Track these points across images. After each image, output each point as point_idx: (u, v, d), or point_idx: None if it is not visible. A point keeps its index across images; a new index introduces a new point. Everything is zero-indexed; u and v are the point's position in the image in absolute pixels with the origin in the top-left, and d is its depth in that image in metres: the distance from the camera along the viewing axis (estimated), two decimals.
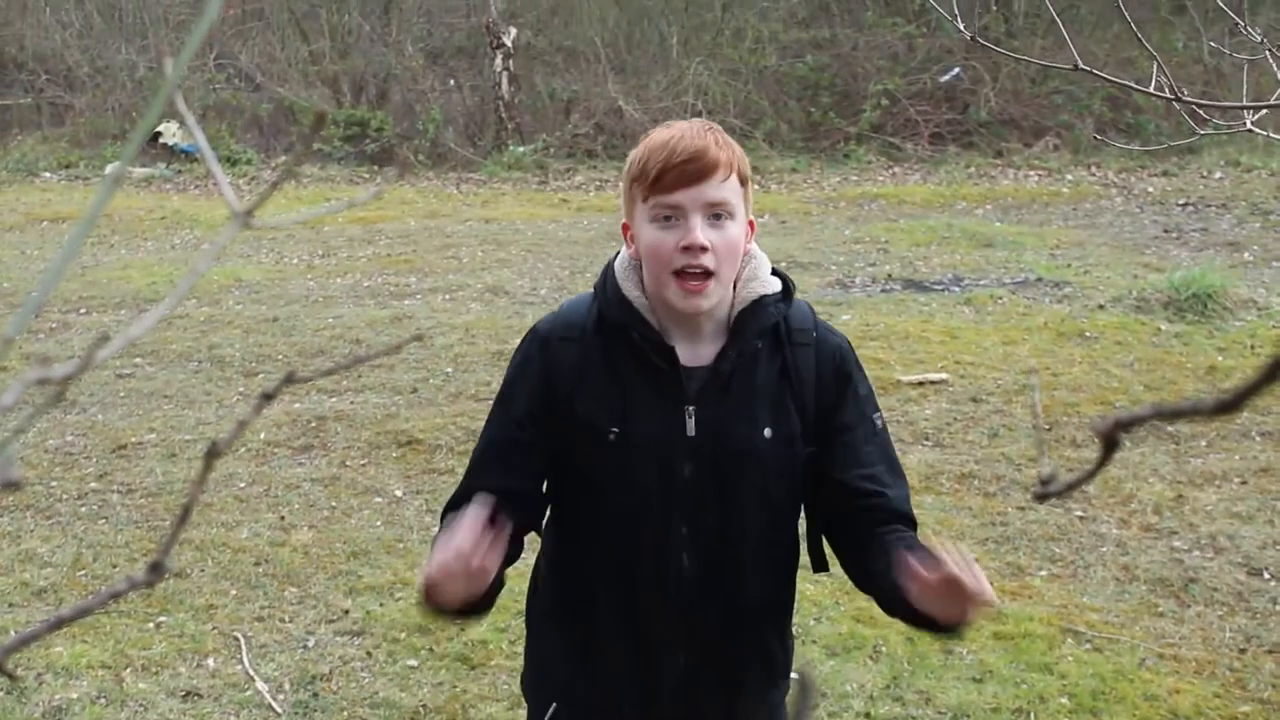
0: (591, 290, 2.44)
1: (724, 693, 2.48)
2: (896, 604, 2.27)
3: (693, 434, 2.33)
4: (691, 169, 2.24)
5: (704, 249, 2.24)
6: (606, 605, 2.44)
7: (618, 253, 2.45)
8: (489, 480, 2.36)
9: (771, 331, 2.37)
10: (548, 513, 2.52)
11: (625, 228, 2.39)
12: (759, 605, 2.46)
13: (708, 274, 2.25)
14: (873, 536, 2.37)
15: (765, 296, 2.36)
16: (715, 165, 2.25)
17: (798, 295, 2.49)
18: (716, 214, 2.27)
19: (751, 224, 2.37)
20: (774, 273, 2.42)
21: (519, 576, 2.63)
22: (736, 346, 2.33)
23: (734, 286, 2.35)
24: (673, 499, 2.35)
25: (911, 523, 2.44)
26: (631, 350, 2.35)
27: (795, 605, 2.63)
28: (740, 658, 2.47)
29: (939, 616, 2.18)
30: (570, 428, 2.36)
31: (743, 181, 2.32)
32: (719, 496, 2.35)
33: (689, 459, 2.33)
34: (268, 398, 0.78)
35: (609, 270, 2.41)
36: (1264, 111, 2.19)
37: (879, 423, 2.45)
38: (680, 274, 2.25)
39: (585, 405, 2.35)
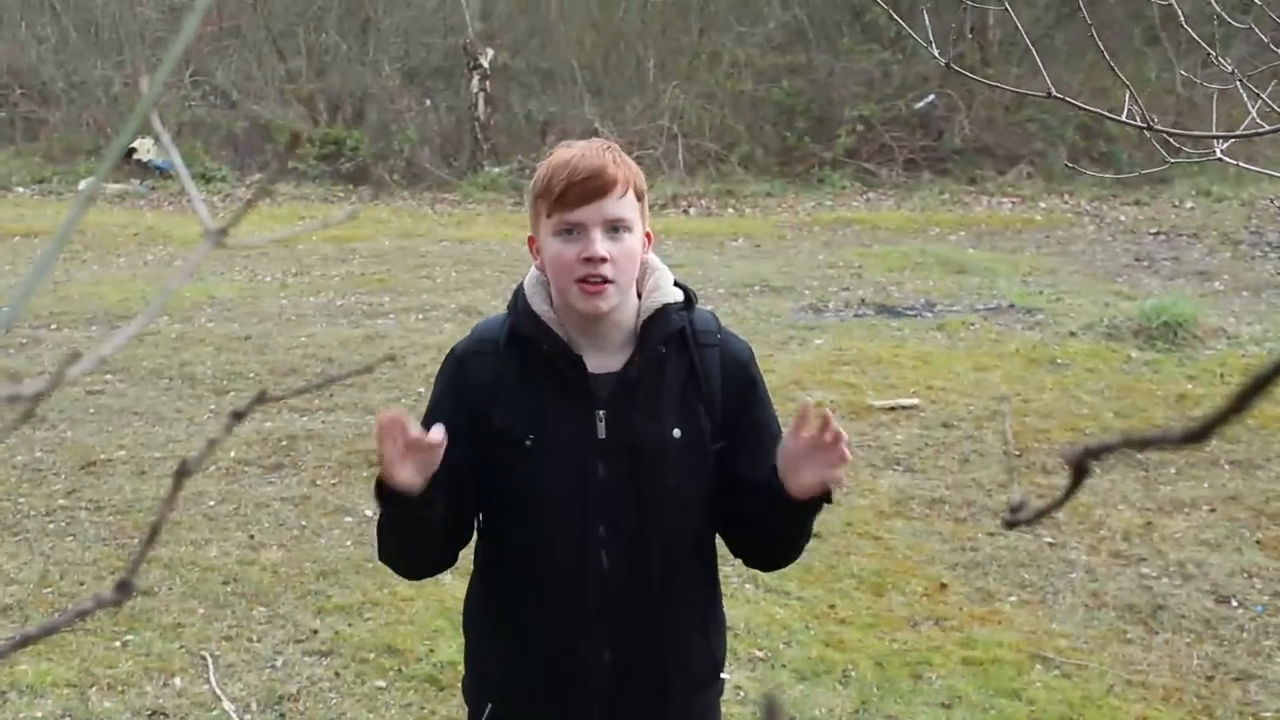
0: (505, 310, 2.59)
1: (653, 689, 2.58)
2: (758, 501, 2.44)
3: (603, 436, 2.47)
4: (591, 186, 2.40)
5: (604, 260, 2.39)
6: (534, 605, 2.56)
7: (528, 272, 2.60)
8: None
9: (677, 337, 2.51)
10: (479, 524, 2.65)
11: (531, 240, 2.54)
12: (680, 602, 2.58)
13: (606, 281, 2.40)
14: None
15: (668, 304, 2.50)
16: (614, 183, 2.41)
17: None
18: (615, 227, 2.42)
19: (649, 235, 2.52)
20: (677, 284, 2.56)
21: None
22: (643, 352, 2.48)
23: (639, 297, 2.51)
24: (589, 500, 2.48)
25: None
26: (543, 361, 2.49)
27: (722, 605, 2.74)
28: (665, 654, 2.58)
29: (799, 480, 2.33)
30: (491, 438, 2.49)
31: (639, 197, 2.48)
32: (633, 496, 2.49)
33: (601, 461, 2.47)
34: (239, 416, 0.78)
35: (520, 288, 2.56)
36: (1233, 141, 2.21)
37: (776, 428, 2.60)
38: (582, 280, 2.41)
39: (503, 416, 2.48)
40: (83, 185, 17.15)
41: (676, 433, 2.48)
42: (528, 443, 2.46)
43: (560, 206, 2.41)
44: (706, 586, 2.65)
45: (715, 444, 2.52)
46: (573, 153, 2.45)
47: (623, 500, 2.48)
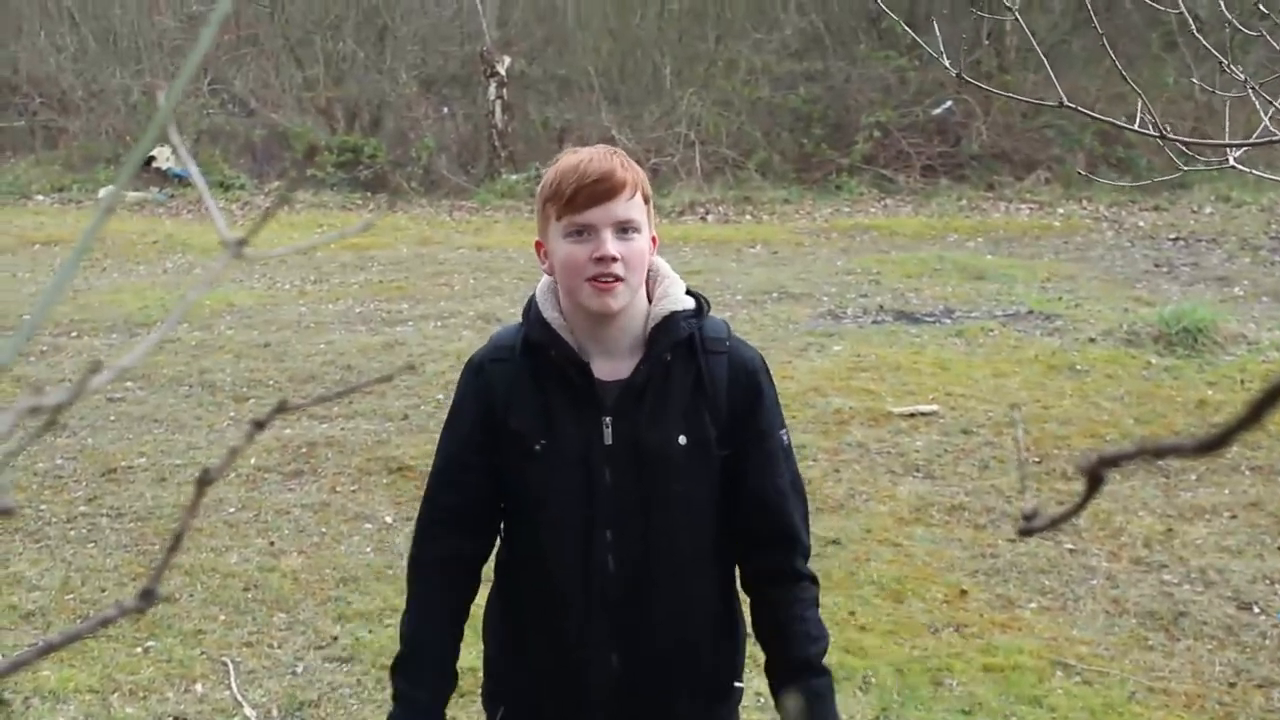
0: (520, 318, 2.63)
1: (659, 696, 2.60)
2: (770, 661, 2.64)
3: (610, 442, 2.50)
4: (601, 189, 2.44)
5: (614, 259, 2.42)
6: (542, 609, 2.59)
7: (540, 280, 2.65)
8: (446, 502, 2.61)
9: (685, 344, 2.54)
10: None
11: (539, 245, 2.59)
12: (689, 609, 2.59)
13: (618, 279, 2.44)
14: (774, 596, 2.62)
15: (676, 312, 2.53)
16: (622, 185, 2.45)
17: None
18: (624, 228, 2.45)
19: (654, 238, 2.55)
20: (689, 293, 2.59)
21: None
22: (649, 359, 2.51)
23: (649, 302, 2.54)
24: (596, 505, 2.51)
25: (801, 545, 2.63)
26: (553, 367, 2.52)
27: (740, 613, 2.76)
28: (673, 661, 2.59)
29: None
30: (505, 442, 2.54)
31: (646, 200, 2.52)
32: (640, 502, 2.52)
33: (608, 466, 2.50)
34: (260, 426, 0.78)
35: (532, 296, 2.61)
36: (1247, 148, 2.21)
37: (785, 439, 2.62)
38: (593, 278, 2.44)
39: (516, 420, 2.53)
40: (102, 194, 17.21)
41: (682, 439, 2.50)
42: (537, 448, 2.50)
43: (570, 209, 2.45)
44: (720, 594, 2.66)
45: (721, 451, 2.53)
46: (580, 158, 2.49)
47: (629, 506, 2.51)
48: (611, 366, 2.52)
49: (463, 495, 2.59)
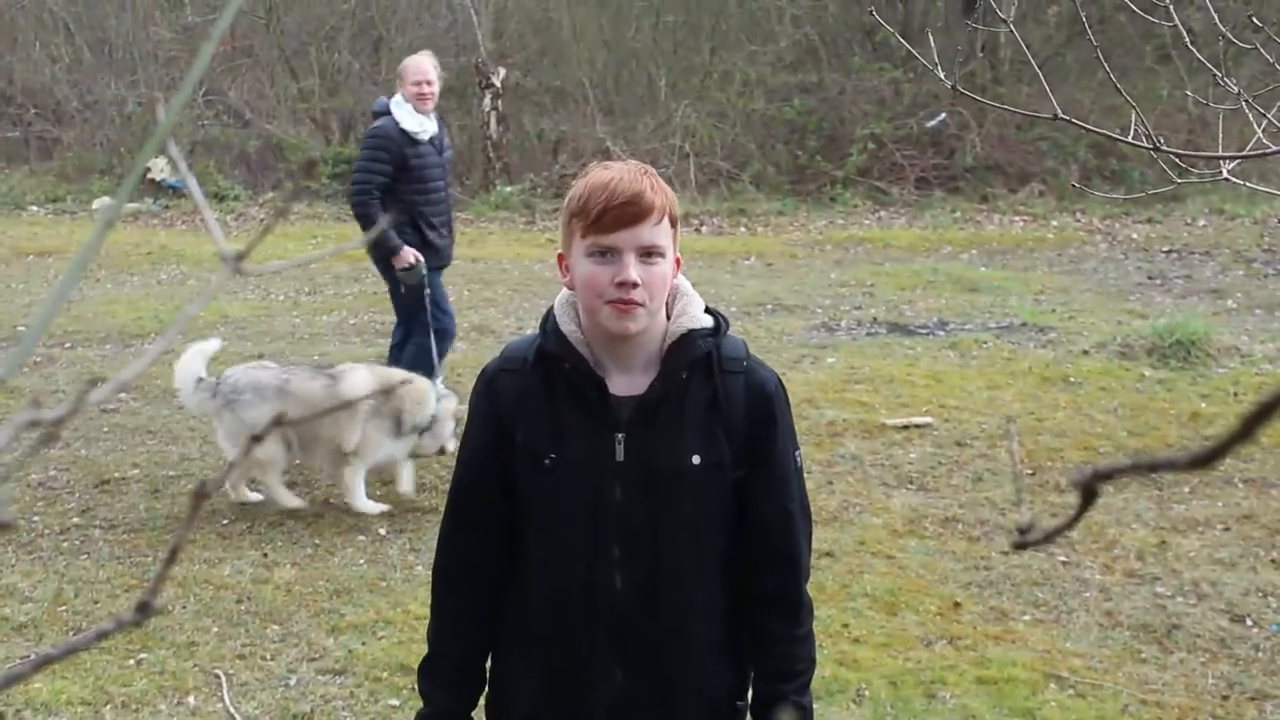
0: (537, 330, 2.61)
1: (662, 713, 2.59)
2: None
3: (622, 459, 2.48)
4: (628, 212, 2.40)
5: (635, 285, 2.40)
6: (547, 622, 2.58)
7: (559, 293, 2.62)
8: (466, 511, 2.60)
9: (702, 363, 2.52)
10: None
11: (561, 258, 2.55)
12: (695, 627, 2.58)
13: (638, 304, 2.42)
14: (770, 624, 2.61)
15: (694, 330, 2.51)
16: (650, 209, 2.42)
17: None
18: (648, 253, 2.43)
19: (678, 260, 2.52)
20: (708, 311, 2.57)
21: None
22: (664, 376, 2.49)
23: (667, 319, 2.52)
24: (604, 521, 2.49)
25: (803, 569, 2.63)
26: (566, 381, 2.50)
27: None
28: (677, 679, 2.58)
29: None
30: (513, 454, 2.52)
31: (673, 223, 2.49)
32: (649, 519, 2.50)
33: (619, 483, 2.48)
34: (257, 439, 0.79)
35: (551, 307, 2.58)
36: (1241, 161, 2.22)
37: (798, 460, 2.61)
38: (613, 301, 2.42)
39: (525, 432, 2.51)
40: (96, 205, 17.21)
41: (696, 459, 2.48)
42: (547, 461, 2.49)
43: (596, 229, 2.41)
44: (728, 613, 2.62)
45: (736, 471, 2.51)
46: (611, 175, 2.45)
47: (638, 523, 2.49)
48: (627, 382, 2.50)
49: (481, 505, 2.58)
